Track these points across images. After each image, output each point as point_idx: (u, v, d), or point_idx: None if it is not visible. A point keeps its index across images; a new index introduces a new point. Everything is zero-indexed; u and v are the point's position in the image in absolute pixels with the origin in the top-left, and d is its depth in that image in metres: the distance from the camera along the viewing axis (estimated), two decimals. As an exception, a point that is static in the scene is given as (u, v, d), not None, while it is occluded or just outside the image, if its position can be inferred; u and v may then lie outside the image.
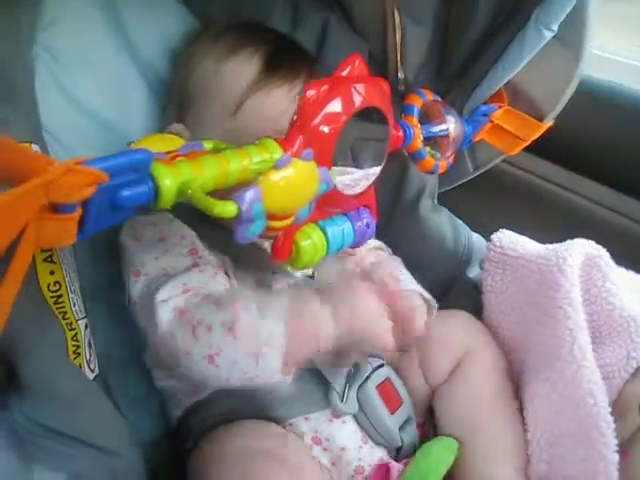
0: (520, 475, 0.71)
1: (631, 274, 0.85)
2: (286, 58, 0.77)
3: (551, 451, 0.70)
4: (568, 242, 0.82)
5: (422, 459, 0.70)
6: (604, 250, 0.82)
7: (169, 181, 0.46)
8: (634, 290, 0.82)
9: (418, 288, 0.81)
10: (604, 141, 1.13)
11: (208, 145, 0.57)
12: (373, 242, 0.91)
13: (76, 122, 0.79)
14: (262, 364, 0.60)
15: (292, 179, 0.52)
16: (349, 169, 0.67)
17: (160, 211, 0.68)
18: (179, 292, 0.65)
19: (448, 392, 0.79)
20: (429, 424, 0.82)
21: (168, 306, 0.64)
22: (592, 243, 0.82)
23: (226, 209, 0.47)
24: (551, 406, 0.71)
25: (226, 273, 0.73)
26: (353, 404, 0.71)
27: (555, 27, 0.75)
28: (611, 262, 0.81)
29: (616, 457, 0.64)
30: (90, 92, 0.81)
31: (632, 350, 0.72)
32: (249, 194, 0.48)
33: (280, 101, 0.74)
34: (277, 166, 0.52)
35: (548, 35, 0.76)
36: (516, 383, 0.79)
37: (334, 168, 0.61)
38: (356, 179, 0.70)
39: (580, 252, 0.78)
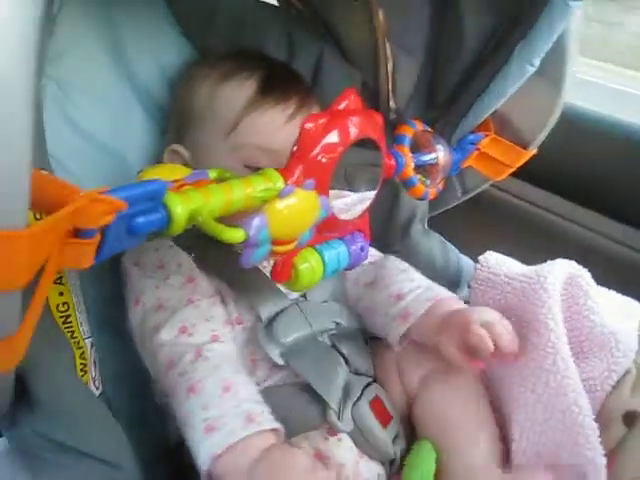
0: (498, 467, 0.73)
1: (612, 293, 0.88)
2: (280, 81, 0.81)
3: (538, 460, 0.72)
4: (550, 262, 0.85)
5: (412, 471, 0.73)
6: (585, 270, 0.85)
7: (180, 208, 0.49)
8: (616, 310, 0.85)
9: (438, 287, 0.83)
10: (586, 166, 1.18)
11: (212, 174, 0.61)
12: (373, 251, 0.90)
13: (80, 149, 0.82)
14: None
15: (295, 207, 0.56)
16: (344, 193, 0.71)
17: (162, 237, 0.71)
18: (176, 333, 0.70)
19: (423, 397, 0.79)
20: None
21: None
22: (573, 263, 0.85)
23: (235, 235, 0.51)
24: (537, 416, 0.72)
25: (223, 299, 0.76)
26: (349, 421, 0.73)
27: (537, 62, 0.79)
28: (592, 281, 0.84)
29: (604, 460, 0.66)
30: (93, 120, 0.84)
31: (612, 364, 0.74)
32: (256, 221, 0.52)
33: (274, 120, 0.77)
34: (281, 195, 0.56)
35: (530, 70, 0.80)
36: (499, 395, 0.80)
37: (330, 192, 0.65)
38: (350, 204, 0.74)
39: (562, 271, 0.81)
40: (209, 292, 0.76)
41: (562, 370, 0.71)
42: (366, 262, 0.78)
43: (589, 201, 1.18)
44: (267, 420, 0.64)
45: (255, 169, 0.60)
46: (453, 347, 0.73)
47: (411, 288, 0.82)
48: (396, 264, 0.87)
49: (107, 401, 0.73)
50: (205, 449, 0.61)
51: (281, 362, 0.73)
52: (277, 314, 0.76)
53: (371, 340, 0.85)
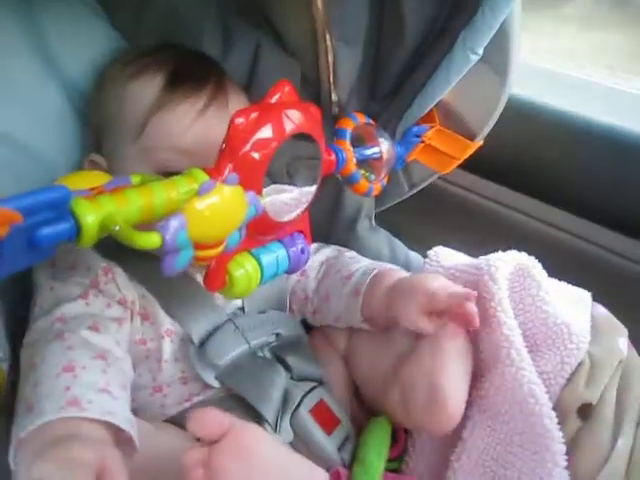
0: None
1: (562, 284, 0.87)
2: (188, 74, 0.76)
3: (500, 449, 0.71)
4: (499, 253, 0.84)
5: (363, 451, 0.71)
6: (536, 261, 0.84)
7: (91, 217, 0.44)
8: (567, 301, 0.84)
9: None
10: (530, 155, 1.17)
11: (136, 179, 0.56)
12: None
13: (1, 154, 0.76)
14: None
15: (217, 205, 0.51)
16: (286, 187, 0.66)
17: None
18: (52, 321, 0.65)
19: (351, 357, 0.81)
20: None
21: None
22: (524, 254, 0.84)
23: (149, 240, 0.45)
24: (496, 407, 0.72)
25: (145, 310, 0.72)
26: (288, 432, 0.70)
27: (480, 50, 0.77)
28: (543, 272, 0.83)
29: (563, 448, 0.67)
30: (13, 121, 0.78)
31: (565, 356, 0.74)
32: (172, 223, 0.47)
33: (183, 117, 0.72)
34: (200, 192, 0.50)
35: (474, 58, 0.78)
36: None
37: (271, 187, 0.61)
38: (296, 199, 0.69)
39: (511, 262, 0.80)
40: (115, 297, 0.71)
41: (517, 362, 0.70)
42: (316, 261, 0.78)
43: (536, 191, 1.18)
44: (100, 410, 0.55)
45: (170, 175, 0.54)
46: (419, 315, 0.72)
47: (358, 267, 0.83)
48: (344, 253, 0.90)
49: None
50: (14, 433, 0.54)
51: (216, 385, 0.70)
52: (210, 334, 0.72)
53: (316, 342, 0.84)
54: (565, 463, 0.66)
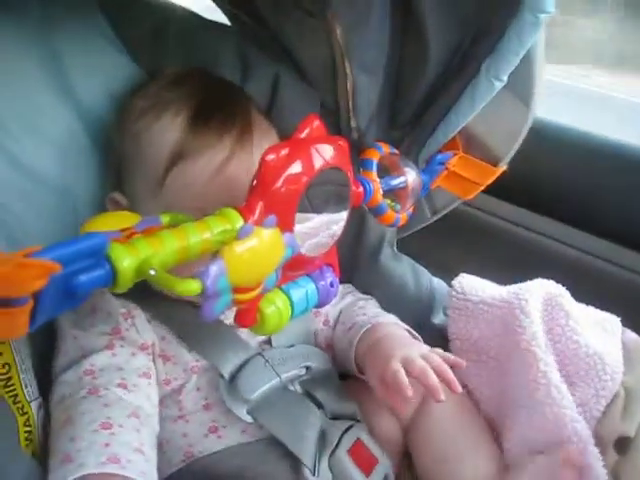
0: None
1: (591, 309, 0.85)
2: (212, 112, 0.71)
3: None
4: (528, 283, 0.82)
5: None
6: (564, 289, 0.82)
7: (127, 262, 0.43)
8: (597, 327, 0.83)
9: (402, 324, 0.83)
10: (554, 179, 1.16)
11: (165, 219, 0.55)
12: (342, 287, 0.89)
13: (25, 189, 0.75)
14: None
15: (256, 249, 0.50)
16: (307, 215, 0.64)
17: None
18: (81, 375, 0.65)
19: (419, 426, 0.78)
20: (406, 474, 0.80)
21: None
22: (552, 283, 0.83)
23: (190, 287, 0.45)
24: (536, 448, 0.70)
25: (164, 354, 0.71)
26: (326, 475, 0.68)
27: (505, 77, 0.76)
28: (572, 300, 0.81)
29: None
30: (36, 156, 0.77)
31: (600, 389, 0.73)
32: (213, 269, 0.46)
33: (205, 170, 0.68)
34: (240, 236, 0.49)
35: (498, 85, 0.77)
36: (494, 431, 0.78)
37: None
38: (315, 228, 0.66)
39: (540, 292, 0.79)
40: (137, 343, 0.70)
41: (558, 400, 0.69)
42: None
43: (559, 213, 1.16)
44: (137, 470, 0.58)
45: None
46: (374, 380, 0.73)
47: (358, 320, 0.83)
48: (358, 302, 0.88)
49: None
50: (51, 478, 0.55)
51: (249, 420, 0.68)
52: (240, 368, 0.71)
53: (355, 378, 0.82)
54: None
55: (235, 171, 0.68)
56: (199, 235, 0.49)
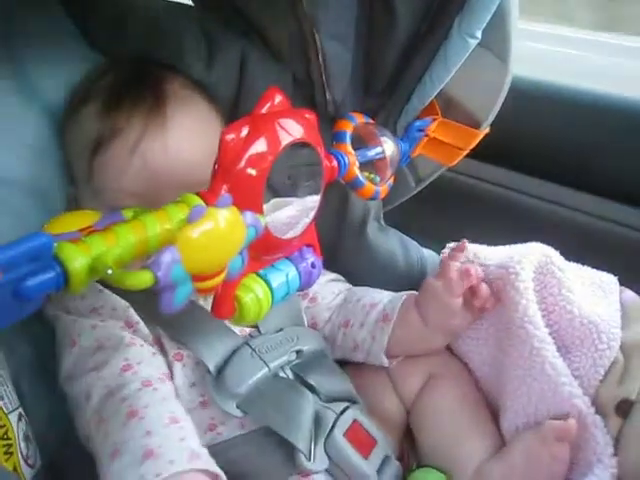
0: None
1: (587, 269, 0.83)
2: (120, 102, 0.71)
3: None
4: (518, 250, 0.80)
5: None
6: (555, 253, 0.80)
7: (78, 262, 0.40)
8: (593, 289, 0.80)
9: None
10: (535, 136, 1.13)
11: (128, 214, 0.52)
12: (328, 275, 0.88)
13: None
14: None
15: (212, 231, 0.46)
16: (286, 200, 0.62)
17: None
18: (119, 371, 0.62)
19: (420, 408, 0.78)
20: (409, 453, 0.79)
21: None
22: (543, 247, 0.80)
23: (140, 279, 0.41)
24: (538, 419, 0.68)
25: (162, 349, 0.69)
26: (323, 460, 0.66)
27: (479, 34, 0.73)
28: (563, 265, 0.79)
29: (611, 450, 0.64)
30: (7, 160, 0.74)
31: (597, 358, 0.71)
32: (163, 257, 0.42)
33: (117, 159, 0.68)
34: (190, 219, 0.46)
35: (472, 43, 0.74)
36: (494, 408, 0.76)
37: (271, 203, 0.57)
38: (295, 216, 0.65)
39: (531, 262, 0.76)
40: (149, 340, 0.68)
41: (554, 377, 0.67)
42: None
43: (547, 173, 1.14)
44: (212, 464, 0.57)
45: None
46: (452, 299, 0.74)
47: (382, 297, 0.82)
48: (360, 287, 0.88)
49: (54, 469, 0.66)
50: (136, 474, 0.53)
51: (239, 414, 0.66)
52: (227, 360, 0.68)
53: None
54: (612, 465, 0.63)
55: (149, 149, 0.68)
56: (157, 225, 0.45)
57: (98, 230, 0.46)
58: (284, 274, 0.61)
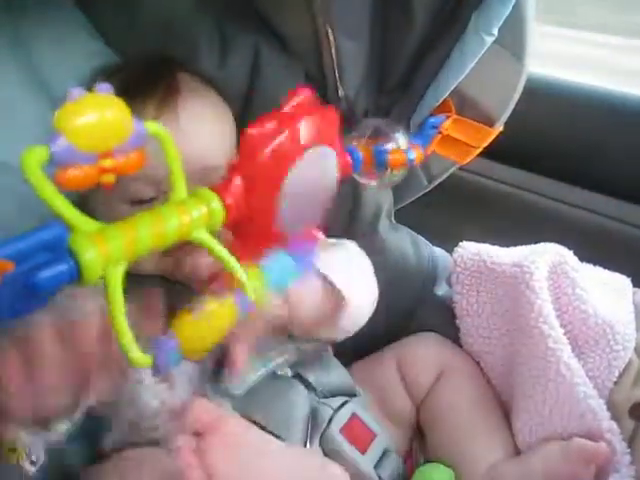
0: None
1: (599, 270, 0.83)
2: (137, 89, 0.69)
3: None
4: (532, 250, 0.79)
5: None
6: (569, 253, 0.79)
7: (91, 254, 0.39)
8: (606, 290, 0.80)
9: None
10: (547, 136, 1.12)
11: (152, 127, 0.47)
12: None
13: (4, 184, 0.71)
14: None
15: (208, 323, 0.47)
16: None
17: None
18: None
19: (431, 405, 0.78)
20: (418, 449, 0.79)
21: None
22: (556, 247, 0.79)
23: (139, 362, 0.42)
24: (552, 427, 0.68)
25: None
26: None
27: (495, 31, 0.72)
28: (577, 265, 0.78)
29: (627, 458, 0.63)
30: (13, 151, 0.74)
31: (612, 359, 0.71)
32: (165, 350, 0.43)
33: None
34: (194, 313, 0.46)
35: (489, 40, 0.73)
36: (506, 409, 0.76)
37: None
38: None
39: (546, 262, 0.75)
40: None
41: (569, 378, 0.66)
42: None
43: (559, 173, 1.13)
44: None
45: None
46: None
47: None
48: None
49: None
50: None
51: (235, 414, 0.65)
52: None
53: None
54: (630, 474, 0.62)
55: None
56: (176, 219, 0.44)
57: (119, 155, 0.42)
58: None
